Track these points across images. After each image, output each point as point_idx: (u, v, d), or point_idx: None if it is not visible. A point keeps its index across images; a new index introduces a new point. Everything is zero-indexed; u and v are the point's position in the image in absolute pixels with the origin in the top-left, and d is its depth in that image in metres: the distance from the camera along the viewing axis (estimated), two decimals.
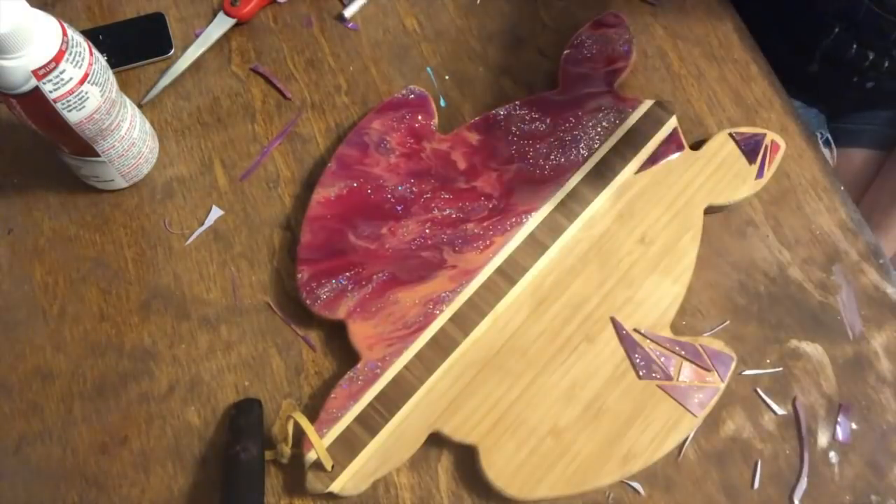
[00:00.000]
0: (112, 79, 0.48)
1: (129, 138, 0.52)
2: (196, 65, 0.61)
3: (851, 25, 0.56)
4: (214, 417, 0.51)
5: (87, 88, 0.45)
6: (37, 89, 0.44)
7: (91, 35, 0.61)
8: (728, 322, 0.54)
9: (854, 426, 0.52)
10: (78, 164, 0.52)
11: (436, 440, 0.49)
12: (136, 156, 0.53)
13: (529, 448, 0.48)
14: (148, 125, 0.56)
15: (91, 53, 0.45)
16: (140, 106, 0.59)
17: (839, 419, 0.52)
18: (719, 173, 0.56)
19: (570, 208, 0.55)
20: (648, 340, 0.51)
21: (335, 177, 0.55)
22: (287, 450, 0.47)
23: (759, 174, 0.56)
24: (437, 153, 0.56)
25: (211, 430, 0.50)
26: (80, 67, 0.45)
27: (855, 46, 0.57)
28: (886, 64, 0.58)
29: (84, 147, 0.49)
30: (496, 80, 0.61)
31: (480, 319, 0.51)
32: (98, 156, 0.51)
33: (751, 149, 0.56)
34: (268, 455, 0.48)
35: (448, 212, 0.54)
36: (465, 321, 0.51)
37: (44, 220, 0.56)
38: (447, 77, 0.61)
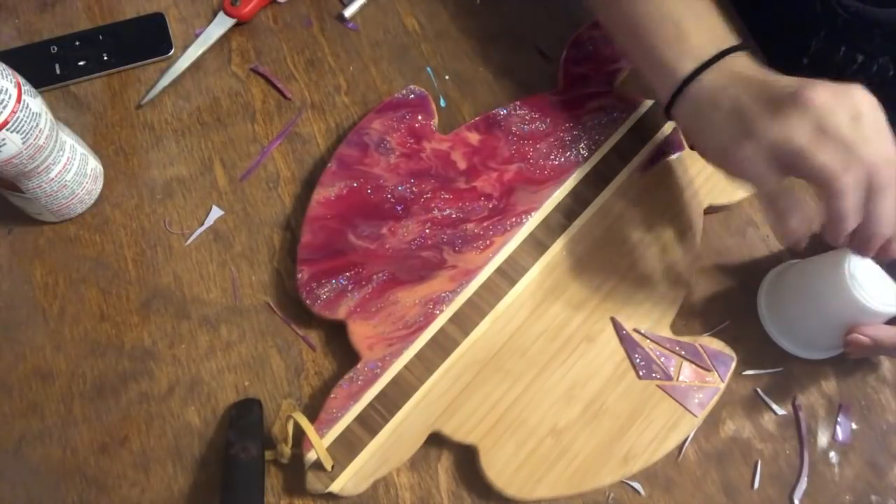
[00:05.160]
0: (45, 126, 0.47)
1: (59, 180, 0.51)
2: (196, 65, 0.61)
3: (835, 29, 0.56)
4: (214, 417, 0.51)
5: (5, 135, 0.45)
6: None
7: (91, 35, 0.61)
8: (728, 322, 0.54)
9: (854, 426, 0.52)
10: (5, 194, 0.52)
11: (436, 440, 0.49)
12: (67, 197, 0.53)
13: (529, 448, 0.48)
14: (93, 167, 0.55)
15: (18, 101, 0.45)
16: (140, 106, 0.59)
17: (839, 419, 0.52)
18: (719, 173, 0.56)
19: (570, 208, 0.55)
20: (648, 340, 0.51)
21: (335, 177, 0.55)
22: (287, 450, 0.47)
23: None
24: (437, 153, 0.56)
25: (211, 430, 0.50)
26: None
27: (843, 49, 0.57)
28: (875, 67, 0.58)
29: (7, 183, 0.49)
30: (496, 80, 0.61)
31: (480, 319, 0.51)
32: (23, 192, 0.50)
33: None
34: (268, 455, 0.48)
35: (448, 212, 0.54)
36: (465, 321, 0.51)
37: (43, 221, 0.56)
38: (447, 77, 0.61)
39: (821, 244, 0.56)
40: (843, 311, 0.47)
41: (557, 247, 0.54)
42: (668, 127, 0.57)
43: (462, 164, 0.56)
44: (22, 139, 0.46)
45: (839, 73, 0.58)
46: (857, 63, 0.58)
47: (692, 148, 0.57)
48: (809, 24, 0.58)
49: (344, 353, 0.52)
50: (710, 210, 0.56)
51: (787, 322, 0.52)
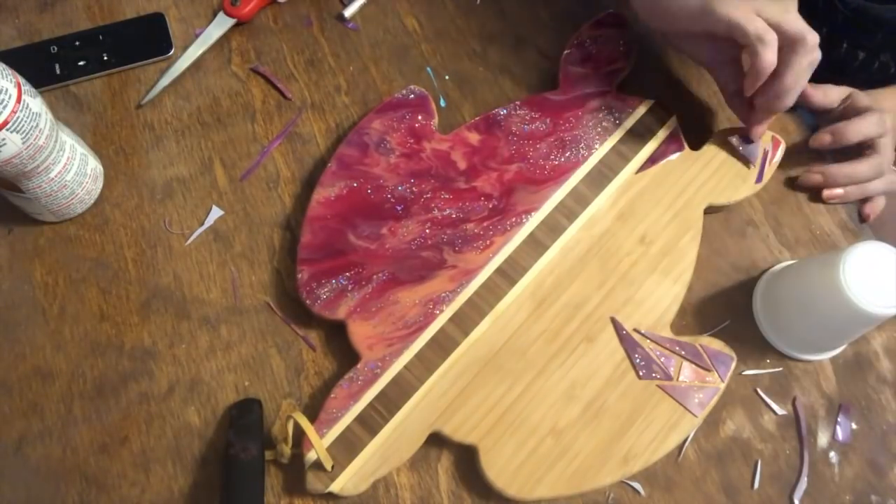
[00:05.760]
0: (45, 126, 0.47)
1: (59, 180, 0.51)
2: (196, 65, 0.61)
3: (836, 26, 0.56)
4: (214, 417, 0.51)
5: (5, 135, 0.45)
6: None
7: (91, 35, 0.61)
8: (728, 322, 0.54)
9: (854, 426, 0.52)
10: (5, 194, 0.52)
11: (436, 440, 0.49)
12: (67, 197, 0.53)
13: (529, 448, 0.48)
14: (93, 167, 0.55)
15: (18, 101, 0.45)
16: (140, 106, 0.59)
17: (839, 419, 0.52)
18: (719, 173, 0.56)
19: (570, 208, 0.55)
20: (648, 340, 0.51)
21: (335, 177, 0.55)
22: (287, 450, 0.47)
23: (759, 179, 0.56)
24: (437, 153, 0.56)
25: (211, 430, 0.50)
26: None
27: (844, 46, 0.57)
28: (876, 64, 0.58)
29: (7, 183, 0.49)
30: (496, 80, 0.61)
31: (480, 319, 0.51)
32: (23, 192, 0.50)
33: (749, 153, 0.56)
34: (268, 455, 0.48)
35: (448, 212, 0.54)
36: (465, 321, 0.51)
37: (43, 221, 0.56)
38: (447, 77, 0.61)
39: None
40: (838, 314, 0.47)
41: (557, 247, 0.54)
42: (668, 127, 0.57)
43: (462, 164, 0.56)
44: (22, 139, 0.46)
45: (841, 69, 0.58)
46: (858, 60, 0.58)
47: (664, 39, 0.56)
48: (811, 20, 0.58)
49: (344, 353, 0.52)
50: (710, 210, 0.56)
51: (781, 323, 0.52)
